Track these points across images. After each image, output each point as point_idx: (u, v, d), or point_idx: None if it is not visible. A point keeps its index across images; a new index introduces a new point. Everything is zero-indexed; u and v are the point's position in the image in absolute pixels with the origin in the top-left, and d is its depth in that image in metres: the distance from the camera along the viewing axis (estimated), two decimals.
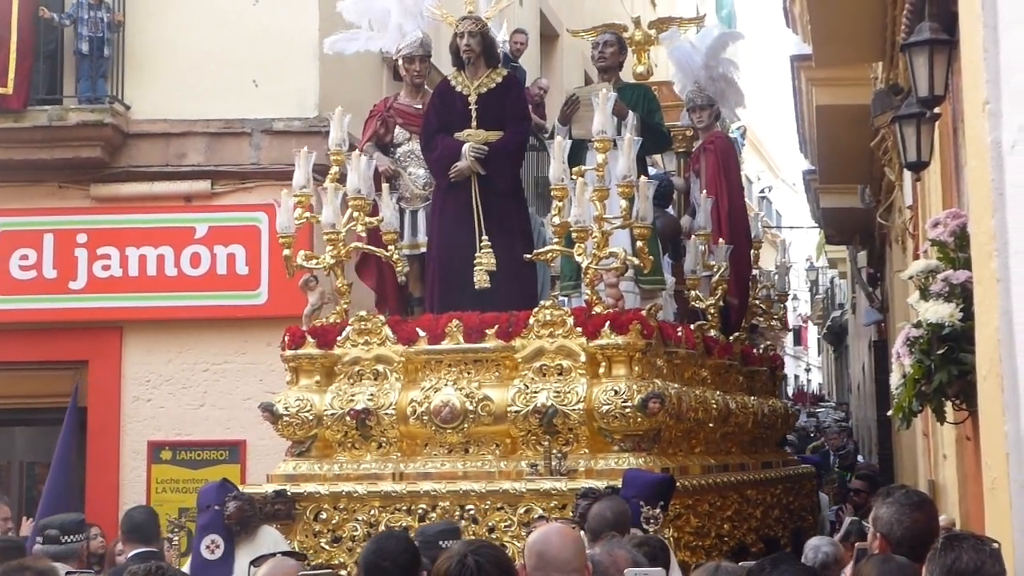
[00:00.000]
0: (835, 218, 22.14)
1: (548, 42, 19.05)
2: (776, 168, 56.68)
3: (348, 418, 9.13)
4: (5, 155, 12.28)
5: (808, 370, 62.74)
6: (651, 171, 12.94)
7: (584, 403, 8.64)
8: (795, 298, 56.04)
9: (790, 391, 51.56)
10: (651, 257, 9.31)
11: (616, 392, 8.59)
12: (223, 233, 12.14)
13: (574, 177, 9.00)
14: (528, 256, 9.45)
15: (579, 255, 8.94)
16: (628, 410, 8.53)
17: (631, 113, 10.61)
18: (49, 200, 12.54)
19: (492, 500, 8.58)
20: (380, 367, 9.29)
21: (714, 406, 10.01)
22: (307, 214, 9.68)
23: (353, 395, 9.21)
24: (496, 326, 9.04)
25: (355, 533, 8.79)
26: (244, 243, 12.08)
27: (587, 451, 8.73)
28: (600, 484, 8.00)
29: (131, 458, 12.23)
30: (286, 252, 9.65)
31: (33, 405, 12.70)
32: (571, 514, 7.81)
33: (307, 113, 11.83)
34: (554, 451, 8.54)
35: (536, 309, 9.04)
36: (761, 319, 13.42)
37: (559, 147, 9.13)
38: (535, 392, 8.78)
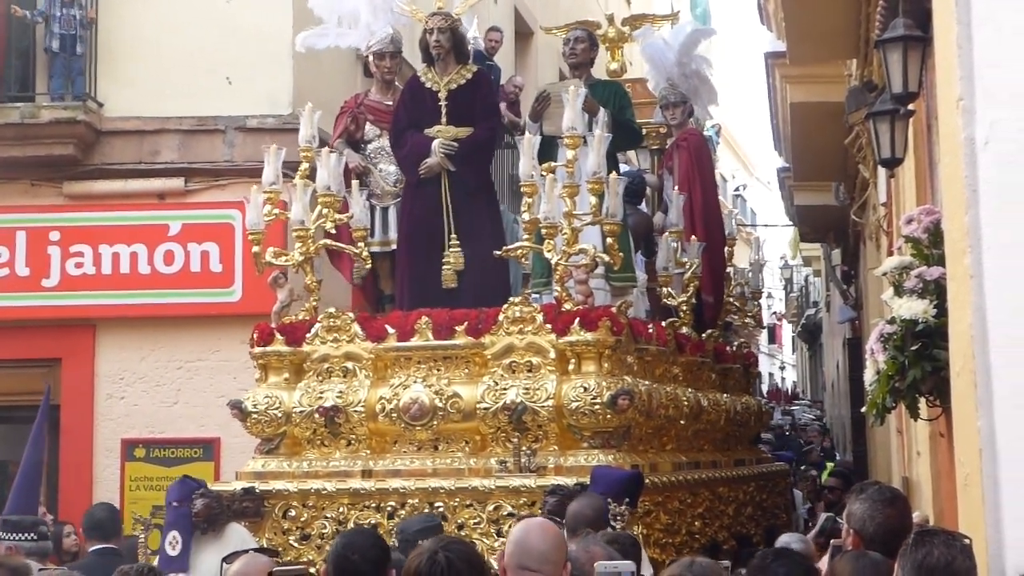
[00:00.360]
0: (809, 216, 22.21)
1: (523, 39, 19.06)
2: (751, 166, 56.82)
3: (317, 415, 9.06)
4: None
5: (783, 368, 62.91)
6: (624, 168, 12.96)
7: (553, 400, 8.59)
8: (769, 296, 56.26)
9: (764, 389, 51.79)
10: (621, 254, 9.26)
11: (585, 389, 8.53)
12: (197, 231, 12.10)
13: (544, 174, 8.97)
14: (498, 253, 9.40)
15: (548, 252, 8.90)
16: (597, 407, 8.47)
17: (602, 109, 10.59)
18: (22, 198, 12.50)
19: (461, 497, 8.52)
20: (349, 364, 9.22)
21: (685, 403, 9.96)
22: (276, 211, 9.62)
23: (322, 392, 9.14)
24: (466, 323, 8.99)
25: (324, 530, 8.74)
26: (218, 240, 12.05)
27: (557, 448, 8.67)
28: (569, 481, 7.97)
29: (104, 456, 12.19)
30: (255, 249, 9.59)
31: (5, 403, 12.64)
32: (539, 511, 7.79)
33: (280, 110, 11.79)
34: (523, 448, 8.48)
35: (506, 306, 8.97)
36: (735, 317, 13.42)
37: (528, 143, 9.09)
38: (504, 389, 8.73)
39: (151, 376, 12.18)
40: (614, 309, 8.98)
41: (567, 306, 8.84)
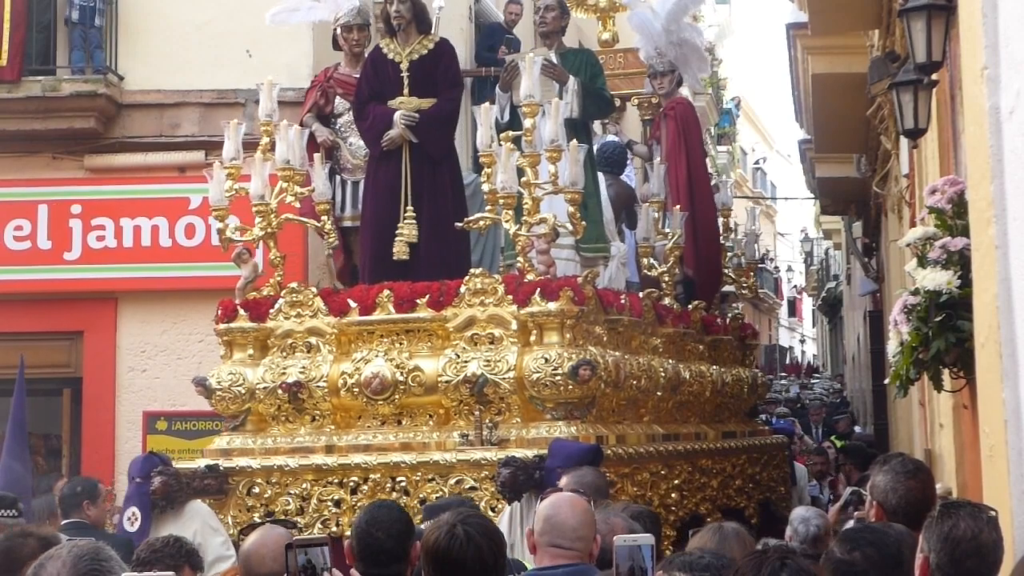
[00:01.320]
0: (830, 188, 22.15)
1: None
2: (770, 139, 56.74)
3: (280, 391, 8.96)
4: None
5: (803, 342, 62.93)
6: (611, 138, 12.88)
7: (515, 371, 8.43)
8: (789, 270, 56.29)
9: (785, 361, 51.78)
10: (584, 223, 9.05)
11: (546, 360, 8.36)
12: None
13: (502, 143, 8.81)
14: (459, 224, 9.22)
15: (506, 222, 8.76)
16: (559, 378, 8.31)
17: (572, 78, 10.51)
18: (43, 171, 12.54)
19: (423, 471, 8.40)
20: (313, 339, 9.11)
21: (662, 374, 9.77)
22: (237, 185, 9.48)
23: (285, 368, 9.03)
24: (427, 296, 8.87)
25: (288, 507, 8.64)
26: (238, 213, 12.04)
27: (519, 420, 8.54)
28: (530, 453, 7.87)
29: (126, 429, 12.23)
30: (218, 225, 9.49)
31: (28, 375, 12.65)
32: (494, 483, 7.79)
33: (299, 83, 11.74)
34: (485, 421, 8.37)
35: (467, 278, 8.83)
36: (731, 288, 13.34)
37: (486, 113, 8.99)
38: (466, 362, 8.57)
39: (173, 349, 12.21)
40: (579, 279, 8.84)
41: (529, 277, 8.69)
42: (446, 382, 8.59)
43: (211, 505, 8.57)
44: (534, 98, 8.92)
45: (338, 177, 10.53)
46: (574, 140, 9.11)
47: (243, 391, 9.12)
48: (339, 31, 10.69)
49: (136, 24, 12.50)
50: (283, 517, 8.31)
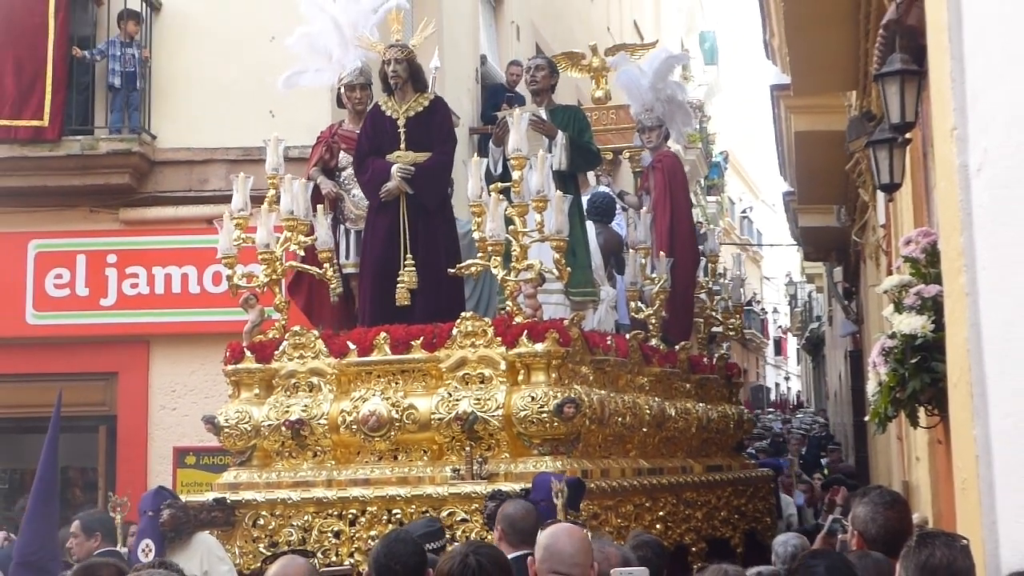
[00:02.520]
0: (813, 236, 22.17)
1: None
2: (757, 190, 56.77)
3: (284, 428, 8.94)
4: (41, 182, 12.32)
5: (787, 378, 62.79)
6: (603, 189, 12.89)
7: (503, 409, 8.39)
8: (775, 311, 56.23)
9: (771, 398, 51.67)
10: (569, 269, 9.01)
11: (533, 398, 8.32)
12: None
13: (491, 193, 8.80)
14: (452, 271, 9.16)
15: (495, 268, 8.74)
16: (544, 415, 8.26)
17: (560, 133, 10.50)
18: (81, 223, 12.57)
19: (417, 504, 8.34)
20: (314, 379, 9.09)
21: (647, 411, 9.74)
22: (246, 235, 9.49)
23: (289, 407, 9.00)
24: (421, 338, 8.83)
25: (291, 538, 8.60)
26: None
27: (508, 455, 8.47)
28: (516, 487, 7.81)
29: (158, 463, 12.22)
30: (227, 272, 9.49)
31: (67, 414, 12.57)
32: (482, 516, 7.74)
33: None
34: (476, 456, 8.33)
35: (458, 320, 8.80)
36: (719, 329, 13.34)
37: (476, 166, 8.96)
38: (457, 400, 8.52)
39: (201, 388, 12.20)
40: (565, 321, 8.80)
41: (518, 319, 8.66)
42: (439, 419, 8.53)
43: (219, 536, 8.52)
44: (521, 151, 8.91)
45: (342, 227, 10.50)
46: (559, 191, 9.09)
47: (249, 428, 9.09)
48: (343, 90, 10.67)
49: (168, 87, 12.57)
50: (286, 548, 8.34)
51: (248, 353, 9.32)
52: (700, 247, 13.48)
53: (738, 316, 13.60)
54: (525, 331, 8.51)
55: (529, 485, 7.74)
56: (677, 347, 11.12)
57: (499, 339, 8.62)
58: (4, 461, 13.75)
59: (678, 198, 12.19)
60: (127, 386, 12.46)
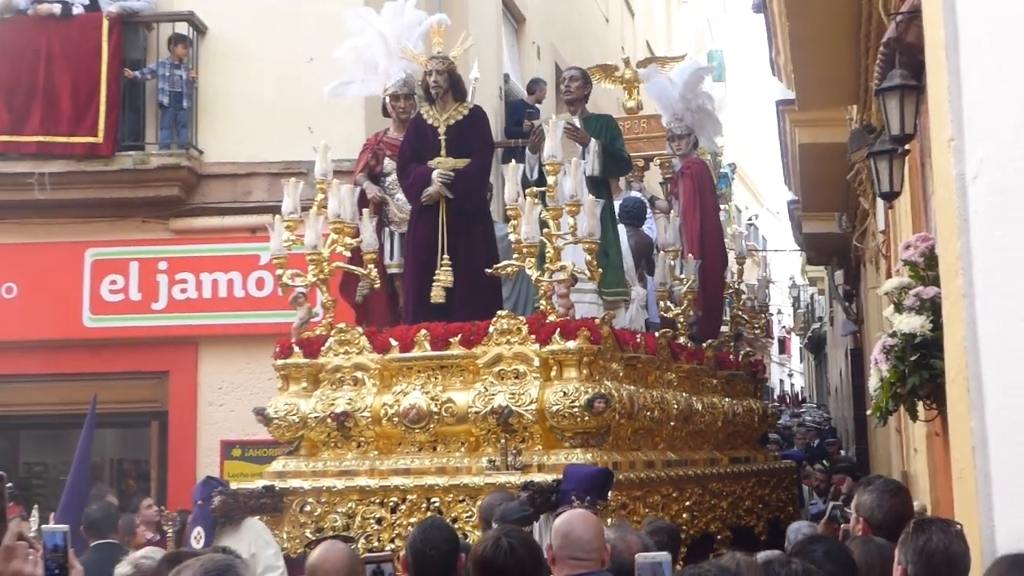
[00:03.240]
0: (815, 242, 22.11)
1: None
2: (762, 199, 56.60)
3: (329, 420, 8.90)
4: (96, 194, 12.37)
5: (791, 375, 62.56)
6: (634, 194, 12.84)
7: (536, 403, 8.33)
8: (779, 312, 56.05)
9: (776, 394, 51.52)
10: (600, 269, 8.96)
11: (565, 393, 8.26)
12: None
13: (526, 197, 8.75)
14: (489, 271, 9.08)
15: (529, 269, 8.68)
16: (576, 409, 8.21)
17: (593, 140, 10.46)
18: (134, 233, 12.62)
19: (455, 493, 8.27)
20: (359, 374, 9.03)
21: (675, 406, 9.66)
22: (294, 236, 9.47)
23: (334, 400, 8.95)
24: (459, 335, 8.79)
25: (335, 524, 8.54)
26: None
27: (541, 447, 8.40)
28: (548, 478, 7.74)
29: (206, 455, 12.25)
30: (278, 272, 9.50)
31: (121, 410, 12.73)
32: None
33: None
34: (510, 448, 8.28)
35: (494, 319, 8.72)
36: (744, 328, 13.27)
37: (512, 171, 8.89)
38: (493, 394, 8.46)
39: (246, 386, 12.22)
40: (597, 320, 8.75)
41: (551, 318, 8.60)
42: (475, 413, 8.50)
43: (267, 522, 8.51)
44: (556, 158, 8.86)
45: (387, 229, 10.46)
46: (591, 195, 9.06)
47: (297, 420, 9.07)
48: (388, 100, 10.63)
49: (213, 105, 12.61)
50: (330, 533, 8.28)
51: (296, 349, 9.30)
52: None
53: (763, 316, 13.49)
54: (558, 329, 8.47)
55: (558, 476, 7.72)
56: (704, 345, 11.06)
57: (533, 337, 8.58)
58: (63, 456, 13.79)
59: (707, 202, 12.07)
60: (177, 384, 12.50)
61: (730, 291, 12.74)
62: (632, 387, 9.04)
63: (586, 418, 8.26)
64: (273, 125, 12.38)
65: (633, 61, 14.82)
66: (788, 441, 23.13)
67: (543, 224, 8.79)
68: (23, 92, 12.27)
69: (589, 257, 8.75)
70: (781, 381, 59.16)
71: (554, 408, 8.29)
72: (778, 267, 55.73)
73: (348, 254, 9.52)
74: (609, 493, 7.78)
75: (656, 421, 9.36)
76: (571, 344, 8.43)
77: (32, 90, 12.25)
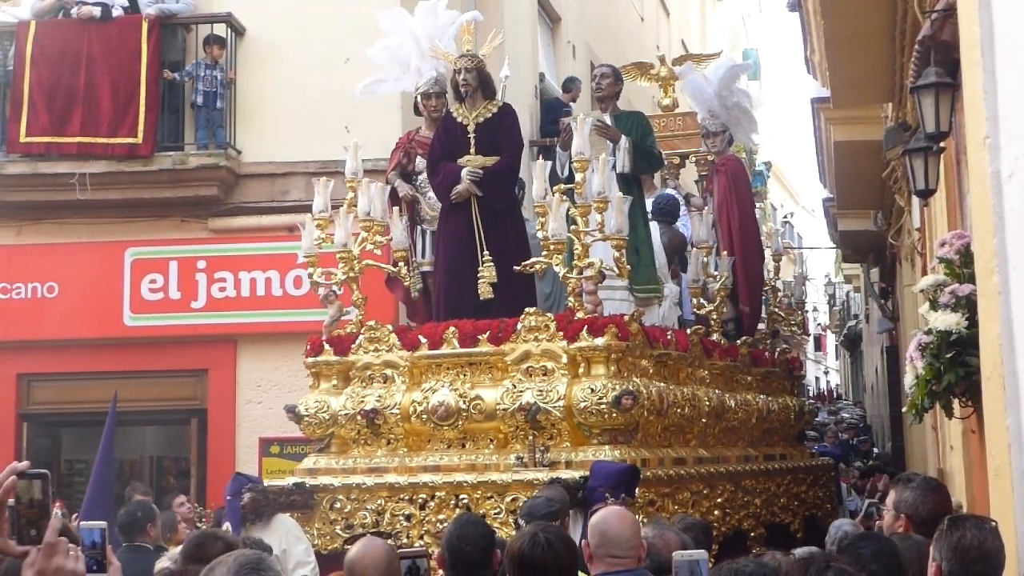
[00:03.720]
0: (850, 239, 22.00)
1: None
2: (797, 196, 56.37)
3: (359, 418, 8.91)
4: (136, 194, 12.45)
5: (827, 372, 62.32)
6: (670, 191, 12.78)
7: (564, 400, 8.31)
8: (815, 310, 55.83)
9: (812, 392, 51.31)
10: (628, 267, 8.91)
11: (592, 390, 8.25)
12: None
13: (554, 194, 8.71)
14: (517, 268, 8.98)
15: (557, 265, 8.65)
16: (603, 406, 8.20)
17: (624, 137, 10.40)
18: (173, 232, 12.70)
19: (483, 490, 8.27)
20: (388, 371, 9.04)
21: (706, 403, 9.62)
22: (324, 236, 9.48)
23: (364, 397, 8.96)
24: (488, 332, 8.78)
25: (365, 521, 8.56)
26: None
27: (569, 444, 8.39)
28: (576, 475, 7.75)
29: (245, 452, 12.32)
30: (310, 270, 9.50)
31: (161, 407, 12.84)
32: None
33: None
34: (538, 445, 8.27)
35: (523, 316, 8.70)
36: (781, 325, 13.21)
37: (540, 168, 8.86)
38: (521, 392, 8.45)
39: (284, 383, 12.26)
40: (626, 317, 8.71)
41: (579, 315, 8.57)
42: (503, 410, 8.50)
43: (298, 518, 8.54)
44: (584, 155, 8.83)
45: (419, 227, 10.47)
46: (620, 192, 9.02)
47: (327, 417, 9.08)
48: (419, 99, 10.62)
49: (251, 106, 12.67)
50: (361, 530, 8.31)
51: (327, 346, 9.31)
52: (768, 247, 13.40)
53: (800, 313, 13.43)
54: (585, 326, 8.45)
55: (585, 473, 7.71)
56: (737, 342, 10.99)
57: (561, 334, 8.56)
58: None
59: (743, 199, 12.03)
60: (216, 382, 12.57)
61: (767, 288, 12.68)
62: (662, 384, 9.03)
63: (614, 415, 8.25)
64: (310, 125, 12.42)
65: (668, 60, 14.79)
66: (821, 438, 23.07)
67: (571, 221, 8.76)
68: (64, 94, 12.37)
69: (617, 254, 8.71)
70: (817, 378, 58.93)
71: (582, 405, 8.29)
72: (814, 265, 55.52)
73: (379, 252, 9.50)
74: (636, 490, 7.76)
75: (687, 418, 9.33)
76: (599, 341, 8.41)
77: (73, 92, 12.35)
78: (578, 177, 8.88)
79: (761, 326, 12.43)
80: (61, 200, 12.40)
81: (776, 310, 12.90)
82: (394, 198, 10.28)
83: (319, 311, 10.03)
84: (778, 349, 12.55)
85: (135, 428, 13.58)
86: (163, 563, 5.43)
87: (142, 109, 12.29)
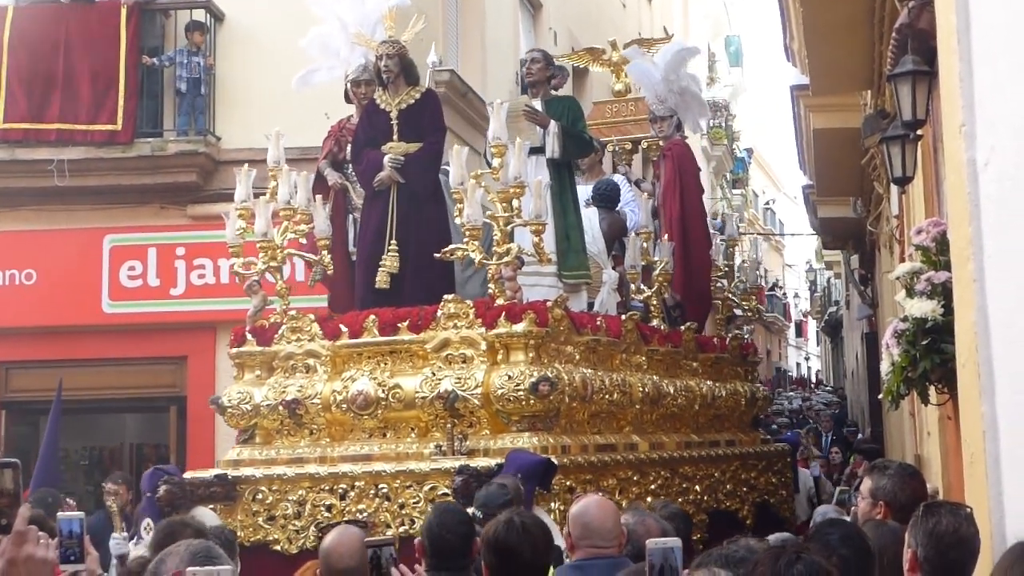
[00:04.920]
0: (831, 226, 22.06)
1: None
2: (779, 183, 56.53)
3: (281, 408, 8.78)
4: (115, 181, 12.42)
5: (807, 358, 62.57)
6: (618, 177, 12.69)
7: (482, 388, 8.13)
8: (796, 296, 56.05)
9: (792, 377, 51.48)
10: (551, 254, 8.75)
11: (510, 377, 8.08)
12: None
13: (471, 179, 8.58)
14: (437, 255, 8.76)
15: (473, 252, 8.52)
16: (521, 393, 8.06)
17: (553, 122, 10.22)
18: (152, 219, 12.67)
19: (402, 479, 8.13)
20: (310, 361, 8.89)
21: (640, 389, 9.44)
22: (243, 225, 9.35)
23: (286, 387, 8.83)
24: (407, 320, 8.65)
25: (287, 512, 8.46)
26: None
27: (488, 432, 8.26)
28: (491, 463, 7.65)
29: (224, 440, 12.24)
30: (232, 261, 9.41)
31: (140, 395, 12.82)
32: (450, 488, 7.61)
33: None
34: (456, 433, 8.16)
35: (441, 303, 8.54)
36: (737, 310, 13.15)
37: (457, 154, 8.70)
38: (439, 379, 8.32)
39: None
40: (550, 303, 8.59)
41: (499, 301, 8.42)
42: (422, 398, 8.34)
43: (221, 510, 8.41)
44: (500, 139, 8.69)
45: (351, 216, 10.36)
46: (538, 177, 8.89)
47: (250, 408, 8.94)
48: (349, 86, 10.48)
49: (231, 93, 12.64)
50: (283, 522, 8.30)
51: (250, 337, 9.19)
52: (719, 232, 13.31)
53: (755, 297, 13.37)
54: (504, 312, 8.31)
55: (500, 461, 7.61)
56: (681, 327, 10.91)
57: (480, 320, 8.41)
58: (84, 440, 13.89)
59: (688, 185, 11.89)
60: (196, 369, 12.55)
61: (719, 274, 12.62)
62: (589, 370, 8.87)
63: (531, 401, 8.11)
64: (290, 112, 12.35)
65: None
66: (799, 424, 23.15)
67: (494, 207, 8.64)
68: (42, 80, 12.32)
69: (536, 239, 8.56)
70: (798, 364, 59.15)
71: (499, 392, 8.14)
72: (795, 251, 55.74)
73: (303, 241, 9.39)
74: (552, 482, 7.67)
75: (617, 404, 9.16)
76: (518, 327, 8.26)
77: (51, 78, 12.30)
78: (495, 162, 8.75)
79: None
80: (39, 187, 12.36)
81: (731, 296, 12.83)
82: (325, 187, 10.17)
83: (300, 298, 9.98)
84: (729, 335, 12.42)
85: (114, 415, 13.57)
86: (139, 551, 5.42)
87: (121, 95, 12.25)
